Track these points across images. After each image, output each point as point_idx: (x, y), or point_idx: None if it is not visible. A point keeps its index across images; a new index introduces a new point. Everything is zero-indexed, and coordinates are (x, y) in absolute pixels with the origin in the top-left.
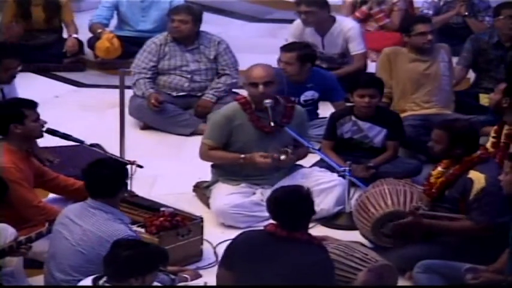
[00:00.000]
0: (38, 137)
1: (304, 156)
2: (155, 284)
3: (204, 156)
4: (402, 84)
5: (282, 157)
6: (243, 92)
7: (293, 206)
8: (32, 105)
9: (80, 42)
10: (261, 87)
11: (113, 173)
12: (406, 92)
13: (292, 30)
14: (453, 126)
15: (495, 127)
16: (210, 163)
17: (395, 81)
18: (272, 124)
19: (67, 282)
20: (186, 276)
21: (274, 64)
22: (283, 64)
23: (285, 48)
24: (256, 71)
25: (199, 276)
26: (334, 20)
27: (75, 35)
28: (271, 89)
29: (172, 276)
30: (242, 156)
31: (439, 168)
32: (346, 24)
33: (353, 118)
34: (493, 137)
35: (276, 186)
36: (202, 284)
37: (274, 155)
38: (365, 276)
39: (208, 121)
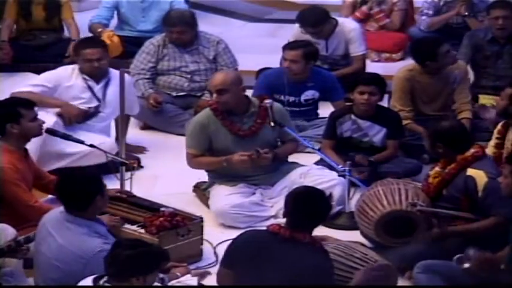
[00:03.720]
0: (36, 136)
1: (293, 151)
2: (156, 284)
3: (190, 164)
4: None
5: (253, 156)
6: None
7: (311, 205)
8: (29, 104)
9: None
10: (214, 95)
11: (81, 188)
12: (414, 105)
13: (295, 32)
14: (434, 126)
15: (499, 127)
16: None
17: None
18: (272, 124)
19: None
20: (177, 274)
21: (276, 64)
22: (288, 62)
23: (289, 46)
24: (212, 78)
25: (190, 271)
26: (336, 22)
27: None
28: (226, 97)
29: (161, 275)
30: (224, 158)
31: (437, 168)
32: (348, 26)
33: (353, 117)
34: (497, 138)
35: (276, 186)
36: (195, 282)
37: (251, 153)
38: (361, 276)
39: (186, 130)
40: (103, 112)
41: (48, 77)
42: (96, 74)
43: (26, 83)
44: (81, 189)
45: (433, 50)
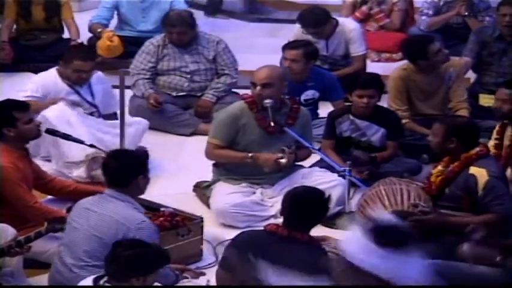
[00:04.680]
0: (35, 138)
1: (306, 157)
2: (156, 284)
3: (210, 155)
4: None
5: (282, 160)
6: (242, 92)
7: (308, 206)
8: (23, 107)
9: (81, 44)
10: (258, 88)
11: (126, 164)
12: (412, 104)
13: (296, 32)
14: (450, 120)
15: (497, 128)
16: (211, 162)
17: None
18: (272, 124)
19: (80, 267)
20: (186, 275)
21: (276, 64)
22: (288, 62)
23: (289, 46)
24: (258, 71)
25: (201, 274)
26: (337, 23)
27: (78, 40)
28: (270, 91)
29: (177, 272)
30: (250, 155)
31: (440, 167)
32: (348, 26)
33: (351, 117)
34: (496, 139)
35: (276, 185)
36: (205, 282)
37: (277, 156)
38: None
39: (214, 120)
40: (96, 111)
41: (35, 87)
42: (80, 83)
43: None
44: (125, 165)
45: (423, 48)
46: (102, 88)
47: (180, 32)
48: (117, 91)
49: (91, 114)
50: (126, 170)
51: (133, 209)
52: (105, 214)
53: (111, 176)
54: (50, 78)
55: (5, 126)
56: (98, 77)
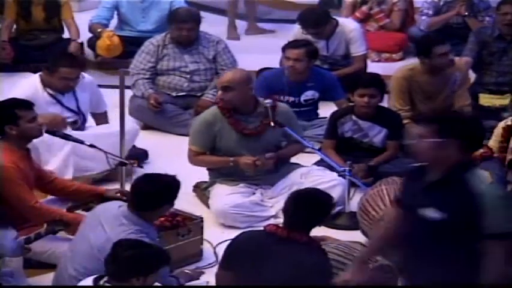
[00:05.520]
0: (36, 137)
1: (297, 152)
2: (156, 284)
3: (191, 161)
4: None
5: (258, 162)
6: None
7: (312, 207)
8: (27, 105)
9: (81, 44)
10: (219, 92)
11: (155, 192)
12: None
13: (295, 32)
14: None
15: (500, 131)
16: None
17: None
18: (272, 124)
19: (79, 281)
20: (188, 271)
21: (276, 64)
22: (292, 61)
23: (291, 45)
24: (221, 75)
25: (202, 273)
26: (337, 23)
27: (78, 40)
28: (231, 95)
29: (182, 281)
30: (231, 159)
31: None
32: (348, 26)
33: (354, 117)
34: (500, 142)
35: (276, 186)
36: (204, 283)
37: (255, 158)
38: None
39: (191, 127)
40: (81, 119)
41: None
42: (66, 91)
43: None
44: (155, 193)
45: (429, 47)
46: (89, 94)
47: (191, 28)
48: (112, 90)
49: (74, 122)
50: (154, 198)
51: (142, 233)
52: (112, 239)
53: (137, 199)
54: (30, 90)
55: (7, 124)
56: (81, 83)
